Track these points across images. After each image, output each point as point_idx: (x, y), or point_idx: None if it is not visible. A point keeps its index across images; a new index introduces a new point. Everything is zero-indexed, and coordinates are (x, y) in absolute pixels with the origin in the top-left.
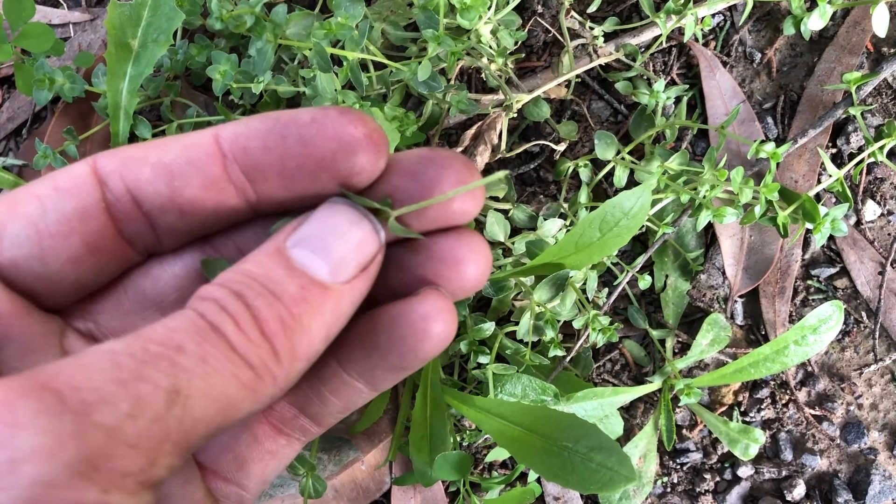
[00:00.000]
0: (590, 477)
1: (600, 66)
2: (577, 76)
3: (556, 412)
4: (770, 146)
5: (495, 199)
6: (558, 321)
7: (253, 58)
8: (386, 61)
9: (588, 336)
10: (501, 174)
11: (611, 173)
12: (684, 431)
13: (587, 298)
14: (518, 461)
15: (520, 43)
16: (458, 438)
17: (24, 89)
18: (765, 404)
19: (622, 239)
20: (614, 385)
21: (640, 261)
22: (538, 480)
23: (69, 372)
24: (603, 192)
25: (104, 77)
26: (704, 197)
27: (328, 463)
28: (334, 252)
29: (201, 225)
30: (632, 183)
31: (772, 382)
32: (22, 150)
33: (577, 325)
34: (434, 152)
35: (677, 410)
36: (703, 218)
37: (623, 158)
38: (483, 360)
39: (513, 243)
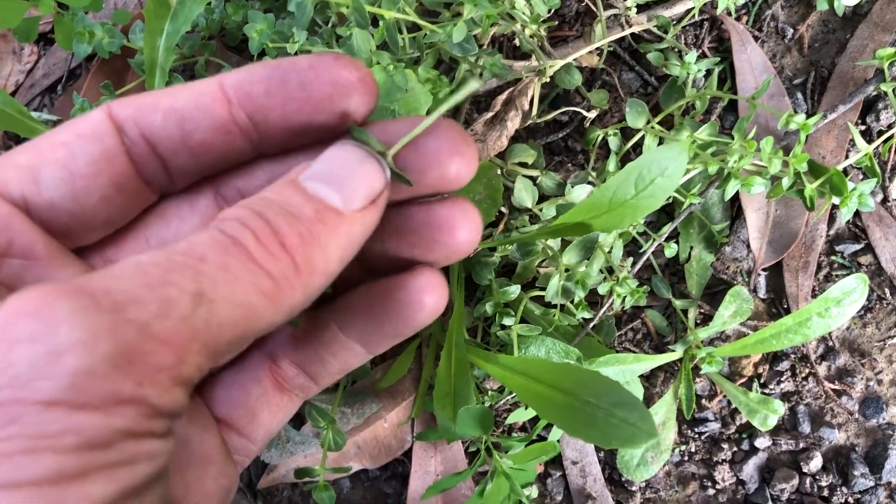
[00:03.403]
0: (611, 432)
1: (632, 37)
2: (609, 46)
3: (580, 369)
4: (800, 117)
5: (524, 165)
6: (600, 280)
7: (291, 14)
8: (421, 22)
9: (612, 302)
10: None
11: (639, 143)
12: (703, 401)
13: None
14: (541, 417)
15: (552, 11)
16: (481, 400)
17: (64, 43)
18: (784, 377)
19: (655, 200)
20: (635, 353)
21: (667, 230)
22: (557, 442)
23: (100, 278)
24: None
25: (141, 33)
26: (733, 167)
27: (351, 416)
28: (345, 183)
29: (210, 165)
30: None
31: (792, 356)
32: (57, 105)
33: (602, 290)
34: (434, 123)
35: (697, 380)
36: (732, 187)
37: (653, 128)
38: (508, 321)
39: (541, 210)
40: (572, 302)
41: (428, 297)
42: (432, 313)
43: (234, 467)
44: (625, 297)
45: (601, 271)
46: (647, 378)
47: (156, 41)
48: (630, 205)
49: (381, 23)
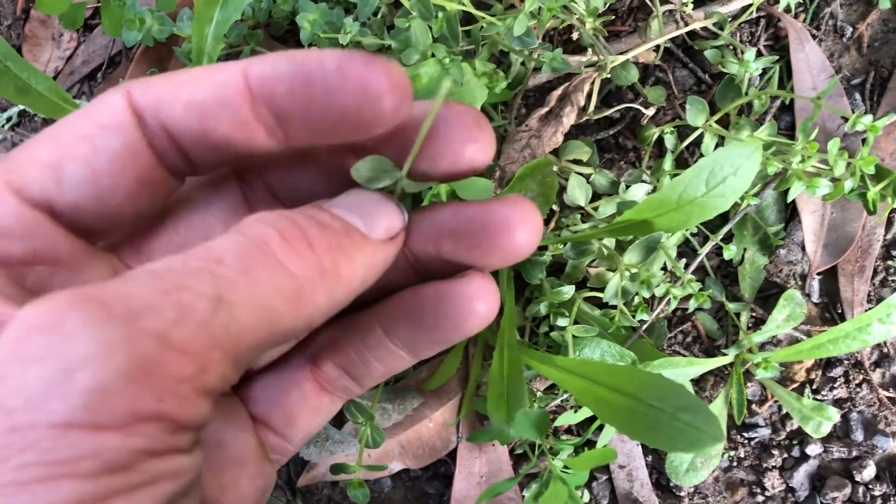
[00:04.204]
0: (677, 436)
1: (686, 33)
2: (665, 42)
3: (642, 372)
4: (867, 118)
5: (578, 162)
6: (660, 281)
7: (339, 3)
8: (481, 14)
9: (668, 302)
10: None
11: (695, 143)
12: (754, 406)
13: (665, 268)
14: (601, 420)
15: (606, 6)
16: (531, 402)
17: (111, 30)
18: (838, 383)
19: (726, 200)
20: (687, 357)
21: (724, 231)
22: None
23: (112, 286)
24: (684, 161)
25: (189, 21)
26: (797, 168)
27: (392, 412)
28: (367, 215)
29: (233, 159)
30: None
31: (846, 362)
32: (96, 93)
33: (658, 292)
34: (448, 108)
35: (748, 385)
36: (795, 189)
37: (711, 126)
38: (562, 322)
39: (595, 208)
40: (625, 304)
41: (480, 304)
42: (484, 321)
43: (271, 467)
44: (684, 298)
45: (664, 269)
46: (697, 382)
47: (204, 29)
48: (699, 203)
49: (440, 14)
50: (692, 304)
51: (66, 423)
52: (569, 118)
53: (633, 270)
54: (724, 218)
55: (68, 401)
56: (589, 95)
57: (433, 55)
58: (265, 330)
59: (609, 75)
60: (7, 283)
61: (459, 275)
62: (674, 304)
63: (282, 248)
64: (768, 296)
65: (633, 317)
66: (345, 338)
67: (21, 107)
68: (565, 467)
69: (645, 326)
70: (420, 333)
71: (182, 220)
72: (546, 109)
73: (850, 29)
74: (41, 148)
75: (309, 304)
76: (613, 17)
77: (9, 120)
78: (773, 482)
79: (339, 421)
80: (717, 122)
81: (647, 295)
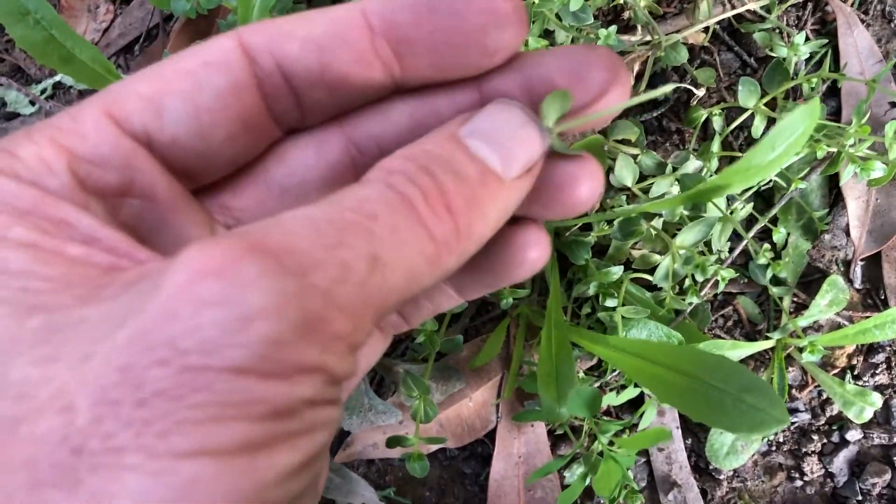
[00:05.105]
0: (740, 418)
1: (733, 15)
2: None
3: (702, 352)
4: None
5: (625, 142)
6: (710, 264)
7: None
8: None
9: (716, 284)
10: (669, 87)
11: (742, 126)
12: (794, 391)
13: (710, 250)
14: (661, 400)
15: None
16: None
17: (158, 1)
18: (879, 369)
19: (787, 157)
20: (726, 340)
21: (772, 213)
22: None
23: (278, 235)
24: (728, 144)
25: None
26: (851, 151)
27: (435, 392)
28: (505, 147)
29: (345, 101)
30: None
31: (888, 347)
32: (133, 67)
33: (704, 275)
34: (588, 51)
35: (788, 370)
36: (847, 172)
37: (760, 108)
38: (611, 303)
39: (642, 190)
40: (672, 287)
41: (531, 252)
42: (533, 269)
43: (340, 403)
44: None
45: (703, 253)
46: None
47: (251, 1)
48: (765, 166)
49: None
50: (768, 274)
51: (240, 368)
52: None
53: (682, 251)
54: (768, 202)
55: (245, 348)
56: (639, 75)
57: None
58: (407, 291)
59: (663, 54)
60: (104, 213)
61: (514, 223)
62: (721, 287)
63: (425, 208)
64: (810, 281)
65: (684, 300)
66: None
67: (55, 79)
68: (610, 443)
69: (690, 309)
70: (470, 276)
71: (274, 180)
72: None
73: None
74: (143, 81)
75: (443, 265)
76: None
77: (42, 92)
78: (812, 467)
79: (379, 392)
80: (763, 105)
81: (701, 278)
